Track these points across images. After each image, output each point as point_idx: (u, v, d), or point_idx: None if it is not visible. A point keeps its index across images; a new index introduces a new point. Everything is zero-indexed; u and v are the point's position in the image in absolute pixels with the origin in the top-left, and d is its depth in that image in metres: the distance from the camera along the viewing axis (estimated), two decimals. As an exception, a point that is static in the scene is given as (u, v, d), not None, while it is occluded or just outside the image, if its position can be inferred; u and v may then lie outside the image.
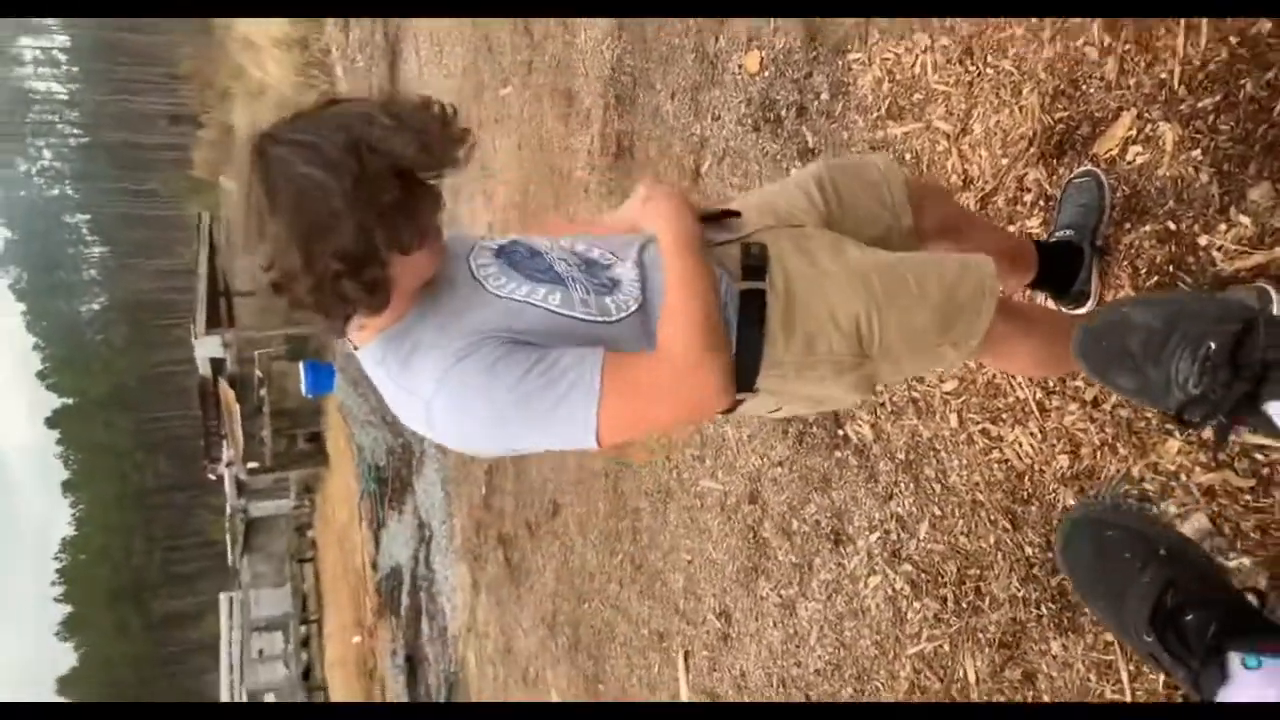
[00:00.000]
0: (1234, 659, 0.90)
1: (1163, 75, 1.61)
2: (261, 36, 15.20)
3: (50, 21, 61.81)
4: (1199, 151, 1.56)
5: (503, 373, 1.09)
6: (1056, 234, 1.75)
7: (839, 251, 1.31)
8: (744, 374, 1.22)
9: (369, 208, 1.01)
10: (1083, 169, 1.75)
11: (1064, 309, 1.79)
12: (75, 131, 67.03)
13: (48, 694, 75.53)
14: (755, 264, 1.26)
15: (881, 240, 1.42)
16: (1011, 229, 1.90)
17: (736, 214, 1.38)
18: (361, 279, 1.03)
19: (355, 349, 1.20)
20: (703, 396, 1.12)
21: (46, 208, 71.36)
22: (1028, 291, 1.82)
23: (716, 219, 1.37)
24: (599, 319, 1.17)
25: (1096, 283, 1.74)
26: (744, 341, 1.22)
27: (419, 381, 1.12)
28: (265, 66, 14.94)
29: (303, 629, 22.13)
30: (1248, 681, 0.88)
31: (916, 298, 1.27)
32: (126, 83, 57.50)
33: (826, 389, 1.30)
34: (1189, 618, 0.94)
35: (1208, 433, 1.25)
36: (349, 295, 1.04)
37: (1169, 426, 1.60)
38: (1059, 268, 1.70)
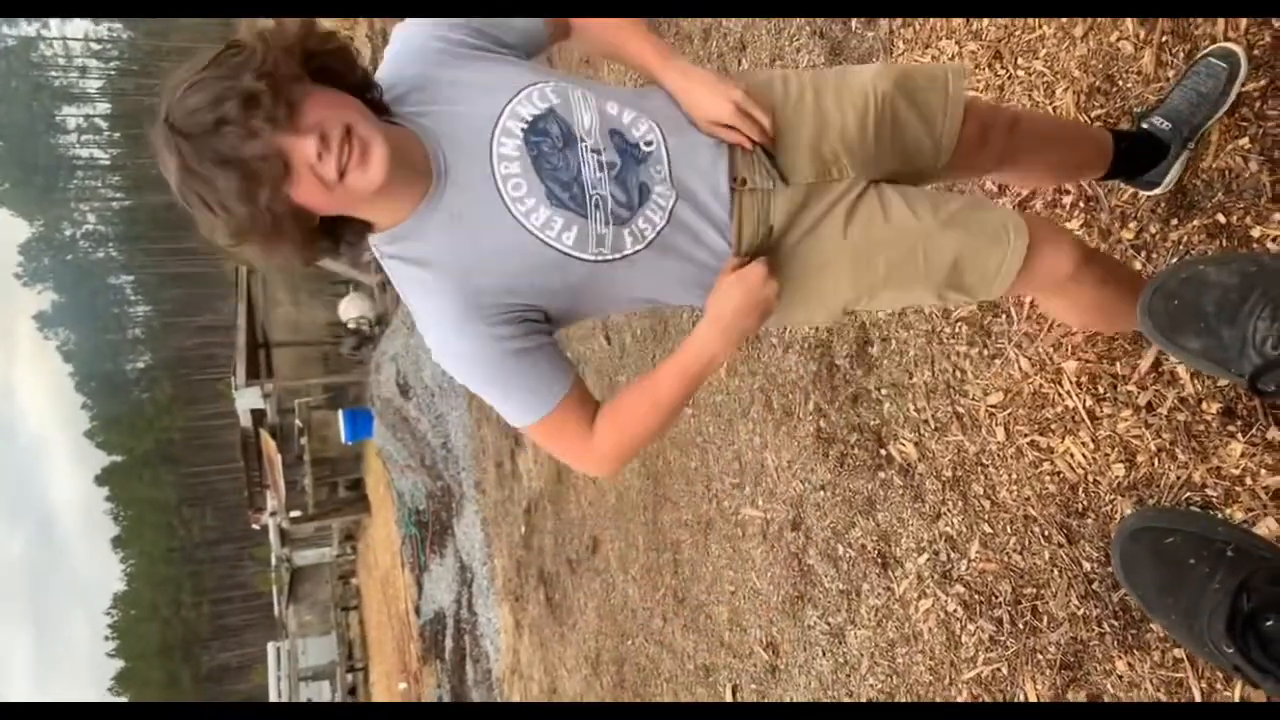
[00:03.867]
0: None
1: (1201, 65, 1.55)
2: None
3: (91, 89, 64.16)
4: (1246, 140, 1.50)
5: (480, 365, 1.15)
6: (1150, 119, 1.54)
7: (863, 222, 1.22)
8: None
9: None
10: (1221, 47, 1.49)
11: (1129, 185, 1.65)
12: (117, 195, 69.12)
13: (101, 750, 76.14)
14: (764, 241, 1.22)
15: (915, 173, 1.34)
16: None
17: (772, 157, 1.22)
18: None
19: (370, 237, 1.18)
20: (592, 474, 1.17)
21: (92, 270, 73.45)
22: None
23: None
24: (609, 257, 1.15)
25: (1177, 172, 1.57)
26: None
27: (421, 318, 1.17)
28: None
29: (349, 677, 22.10)
30: None
31: (920, 275, 1.23)
32: (166, 146, 59.20)
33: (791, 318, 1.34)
34: (1269, 623, 0.86)
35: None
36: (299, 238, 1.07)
37: (1231, 428, 1.53)
38: (1132, 162, 1.54)
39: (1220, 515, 1.48)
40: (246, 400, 14.84)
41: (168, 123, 0.97)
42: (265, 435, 15.37)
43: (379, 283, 15.45)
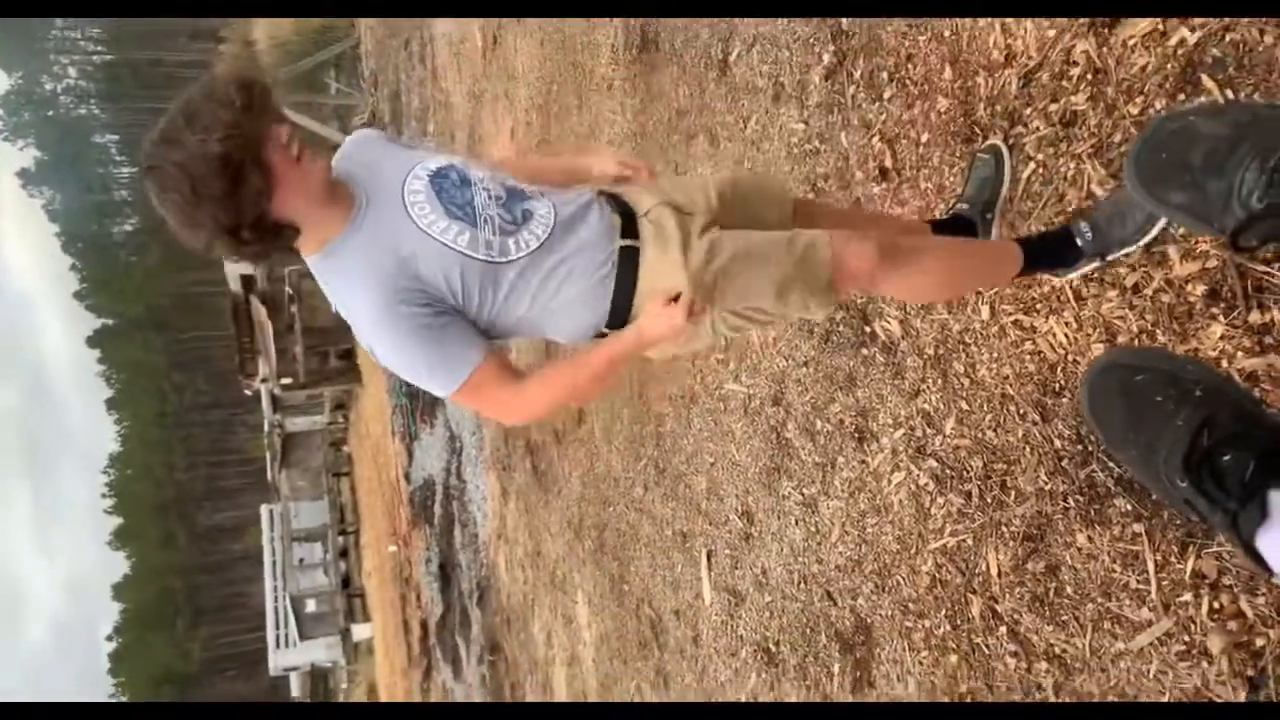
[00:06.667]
0: (1275, 497, 0.83)
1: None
2: (280, -57, 14.75)
3: (68, -66, 60.60)
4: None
5: (404, 345, 1.43)
6: (955, 207, 1.90)
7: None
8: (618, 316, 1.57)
9: (212, 205, 1.32)
10: (987, 143, 1.89)
11: None
12: (99, 49, 66.49)
13: (105, 599, 79.40)
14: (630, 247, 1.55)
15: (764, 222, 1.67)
16: (1055, 106, 1.80)
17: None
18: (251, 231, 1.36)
19: (306, 259, 1.49)
20: (513, 423, 1.65)
21: (75, 127, 71.38)
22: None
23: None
24: (497, 259, 1.46)
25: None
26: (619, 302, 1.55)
27: (353, 315, 1.46)
28: (284, -25, 14.55)
29: (340, 539, 22.84)
30: None
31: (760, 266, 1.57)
32: (147, -3, 56.50)
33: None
34: (1226, 458, 0.86)
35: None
36: (256, 239, 1.38)
37: (1214, 310, 1.53)
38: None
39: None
40: (236, 266, 14.71)
41: (161, 129, 1.31)
42: (255, 301, 15.32)
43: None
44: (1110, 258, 1.66)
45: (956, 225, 1.89)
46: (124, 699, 72.69)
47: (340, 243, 1.45)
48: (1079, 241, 1.66)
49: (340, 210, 1.45)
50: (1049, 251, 1.71)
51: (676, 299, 1.48)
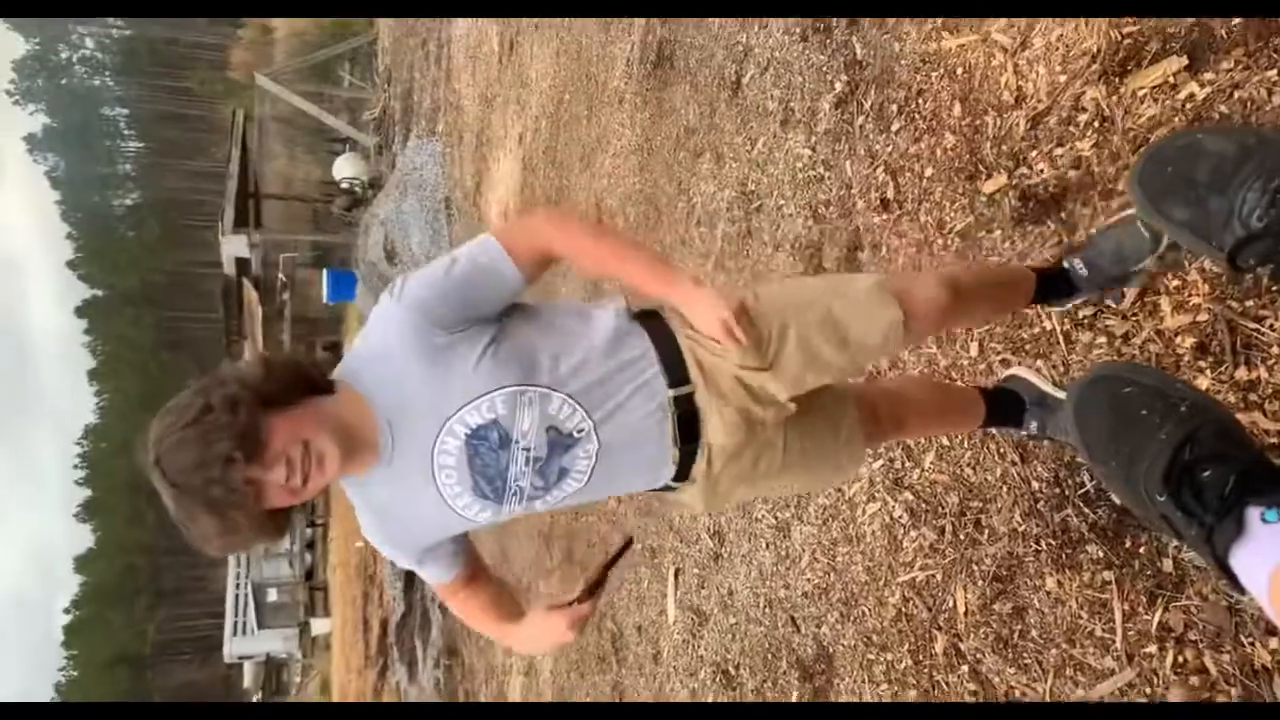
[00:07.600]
0: (1252, 513, 0.82)
1: (1243, -13, 1.49)
2: (309, -67, 14.86)
3: (100, -95, 60.82)
4: (1275, 73, 1.45)
5: (397, 562, 1.57)
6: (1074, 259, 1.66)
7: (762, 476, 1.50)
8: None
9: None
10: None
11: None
12: (117, 23, 66.59)
13: (65, 570, 78.41)
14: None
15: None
16: (1060, 150, 1.81)
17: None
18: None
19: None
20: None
21: (87, 97, 71.32)
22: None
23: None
24: (517, 514, 1.42)
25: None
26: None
27: (365, 530, 1.51)
28: (310, -36, 14.64)
29: (309, 531, 22.61)
30: (1266, 535, 0.80)
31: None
32: (171, -25, 56.68)
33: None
34: (1206, 473, 0.86)
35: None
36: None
37: (1201, 364, 1.53)
38: (1051, 290, 1.69)
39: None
40: (232, 247, 14.64)
41: (160, 468, 1.19)
42: (248, 285, 15.24)
43: (376, 145, 15.10)
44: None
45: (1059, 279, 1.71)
46: (75, 674, 71.66)
47: (359, 482, 1.40)
48: (1023, 432, 1.77)
49: (360, 456, 1.32)
50: (1001, 413, 1.77)
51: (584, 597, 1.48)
